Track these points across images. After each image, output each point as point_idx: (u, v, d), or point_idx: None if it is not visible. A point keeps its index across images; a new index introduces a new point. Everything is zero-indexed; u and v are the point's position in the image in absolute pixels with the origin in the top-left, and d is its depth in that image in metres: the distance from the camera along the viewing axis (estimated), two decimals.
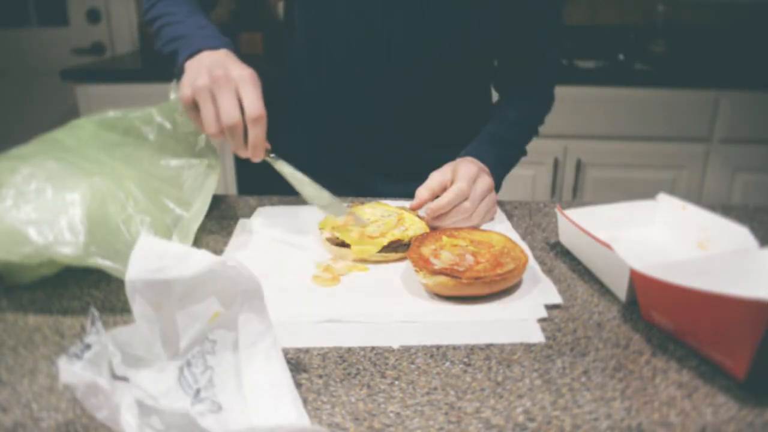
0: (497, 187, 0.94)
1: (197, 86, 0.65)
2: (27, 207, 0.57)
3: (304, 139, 0.98)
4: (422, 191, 0.73)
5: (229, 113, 0.63)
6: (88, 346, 0.36)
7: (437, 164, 0.78)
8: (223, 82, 0.64)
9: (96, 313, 0.38)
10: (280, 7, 2.31)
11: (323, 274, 0.64)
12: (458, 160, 0.79)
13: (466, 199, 0.73)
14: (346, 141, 0.96)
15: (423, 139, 0.94)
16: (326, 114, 0.95)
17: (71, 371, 0.34)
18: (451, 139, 0.91)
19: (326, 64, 0.91)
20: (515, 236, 0.74)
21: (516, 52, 0.93)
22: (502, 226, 0.76)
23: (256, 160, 0.68)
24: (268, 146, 0.68)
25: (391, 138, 0.94)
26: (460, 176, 0.74)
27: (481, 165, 0.79)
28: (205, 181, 0.73)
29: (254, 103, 0.64)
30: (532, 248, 0.71)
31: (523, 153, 0.96)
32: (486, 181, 0.76)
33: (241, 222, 0.78)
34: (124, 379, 0.36)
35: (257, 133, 0.64)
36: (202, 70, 0.65)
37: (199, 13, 0.80)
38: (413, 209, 0.74)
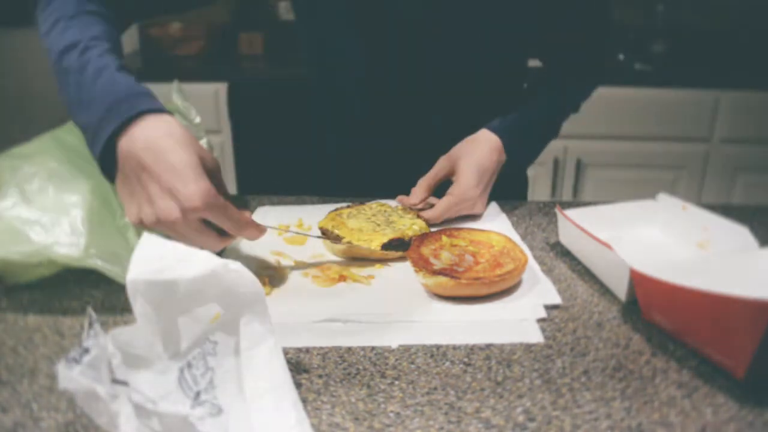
0: (529, 159, 0.92)
1: (146, 222, 0.52)
2: (29, 206, 0.58)
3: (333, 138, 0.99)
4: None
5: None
6: (86, 350, 0.35)
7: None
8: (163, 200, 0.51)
9: (94, 315, 0.38)
10: (281, 7, 2.31)
11: (323, 274, 0.64)
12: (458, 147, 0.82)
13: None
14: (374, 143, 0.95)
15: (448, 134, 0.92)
16: (357, 114, 0.94)
17: (70, 377, 0.34)
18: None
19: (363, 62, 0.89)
20: (515, 236, 0.74)
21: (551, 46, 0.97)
22: (502, 226, 0.76)
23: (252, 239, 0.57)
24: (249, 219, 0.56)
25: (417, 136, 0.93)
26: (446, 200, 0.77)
27: (485, 137, 0.81)
28: None
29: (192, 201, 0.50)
30: (532, 248, 0.71)
31: (552, 132, 0.96)
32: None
33: None
34: (124, 383, 0.36)
35: (222, 222, 0.53)
36: (143, 187, 0.51)
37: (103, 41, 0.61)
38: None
